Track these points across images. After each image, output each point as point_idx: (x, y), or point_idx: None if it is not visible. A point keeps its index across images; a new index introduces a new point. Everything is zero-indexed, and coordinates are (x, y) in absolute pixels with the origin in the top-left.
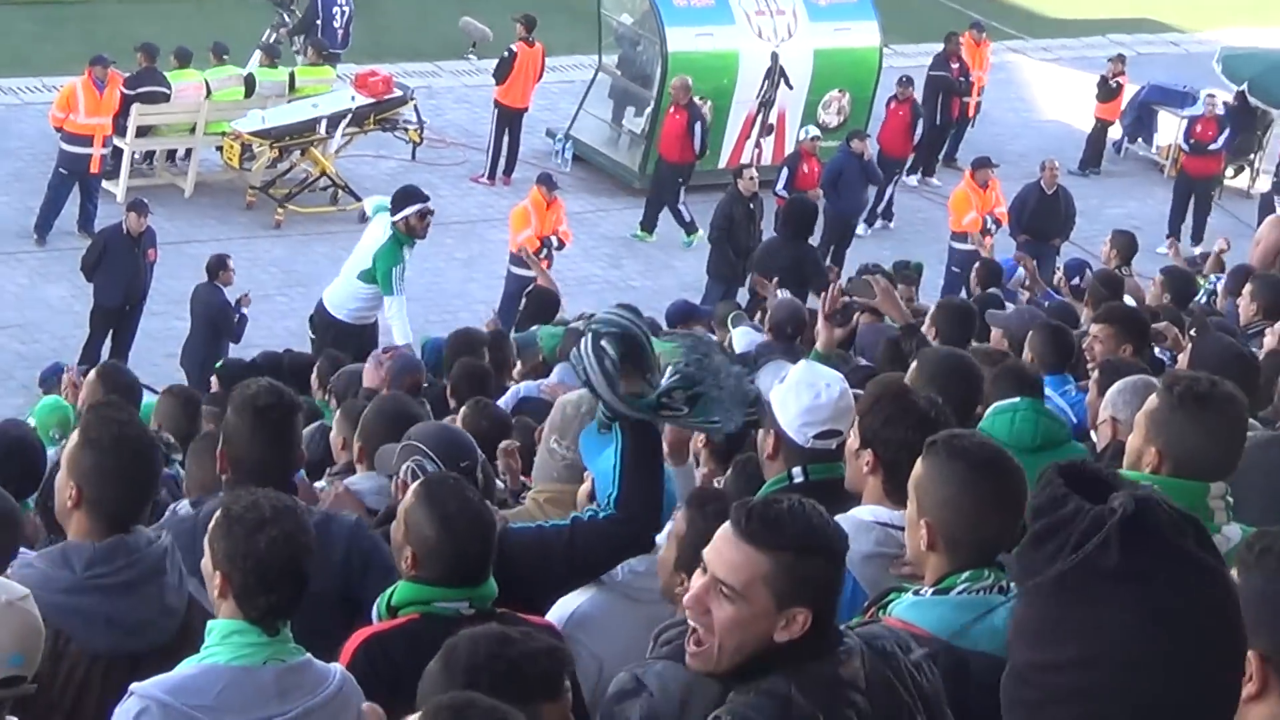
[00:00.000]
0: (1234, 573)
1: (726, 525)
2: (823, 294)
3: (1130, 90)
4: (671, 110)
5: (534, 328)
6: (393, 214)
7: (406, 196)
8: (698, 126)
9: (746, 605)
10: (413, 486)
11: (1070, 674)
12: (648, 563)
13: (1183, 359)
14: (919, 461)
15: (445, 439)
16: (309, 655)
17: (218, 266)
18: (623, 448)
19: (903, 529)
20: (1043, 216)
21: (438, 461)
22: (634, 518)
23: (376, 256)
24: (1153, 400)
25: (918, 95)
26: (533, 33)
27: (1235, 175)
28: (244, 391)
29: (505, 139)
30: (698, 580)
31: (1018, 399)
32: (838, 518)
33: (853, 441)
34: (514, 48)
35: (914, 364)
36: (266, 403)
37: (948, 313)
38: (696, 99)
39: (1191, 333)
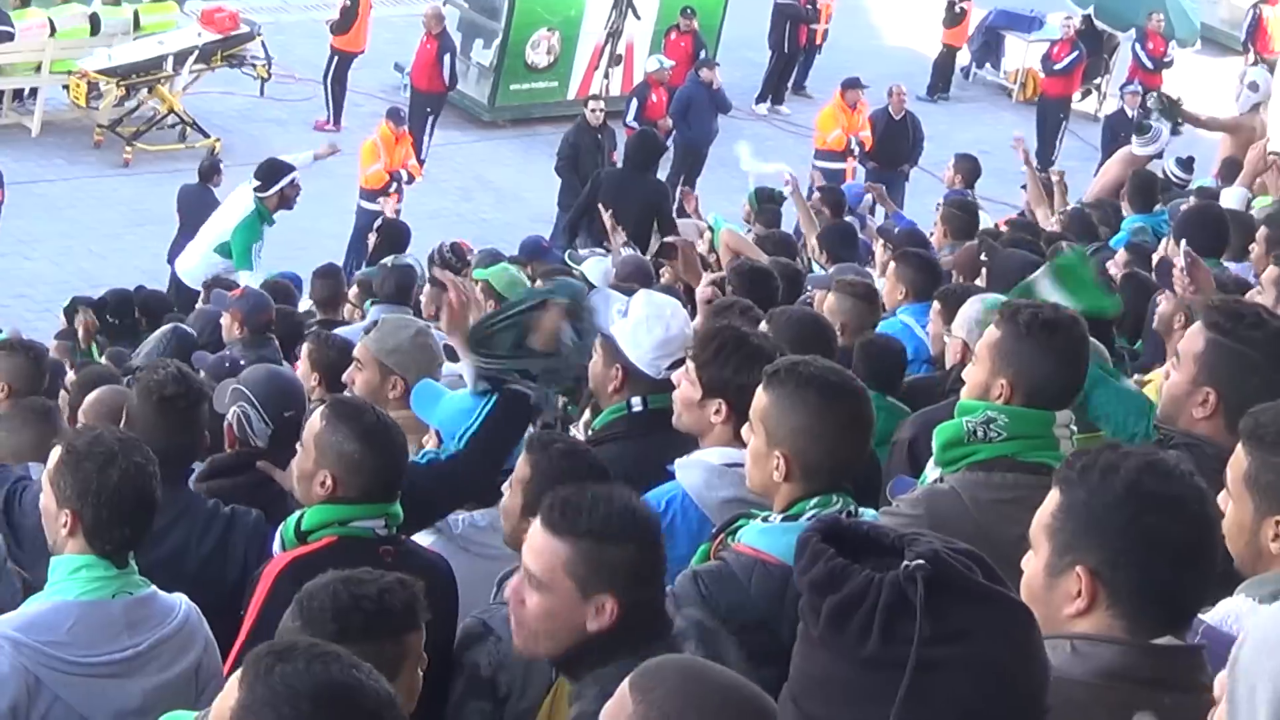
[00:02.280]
0: (1055, 491)
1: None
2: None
3: (977, 15)
4: (424, 39)
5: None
6: (263, 189)
7: (275, 170)
8: (447, 58)
9: (551, 594)
10: (319, 411)
11: None
12: (489, 518)
13: (981, 281)
14: (761, 392)
15: (273, 387)
16: (154, 587)
17: (211, 170)
18: (485, 415)
19: None
20: (891, 142)
21: (260, 410)
22: (476, 463)
23: (236, 230)
24: (994, 332)
25: (766, 23)
26: None
27: (1083, 99)
28: (150, 378)
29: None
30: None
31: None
32: (685, 460)
33: (691, 391)
34: None
35: (765, 325)
36: (174, 392)
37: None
38: (545, 30)
39: (983, 256)
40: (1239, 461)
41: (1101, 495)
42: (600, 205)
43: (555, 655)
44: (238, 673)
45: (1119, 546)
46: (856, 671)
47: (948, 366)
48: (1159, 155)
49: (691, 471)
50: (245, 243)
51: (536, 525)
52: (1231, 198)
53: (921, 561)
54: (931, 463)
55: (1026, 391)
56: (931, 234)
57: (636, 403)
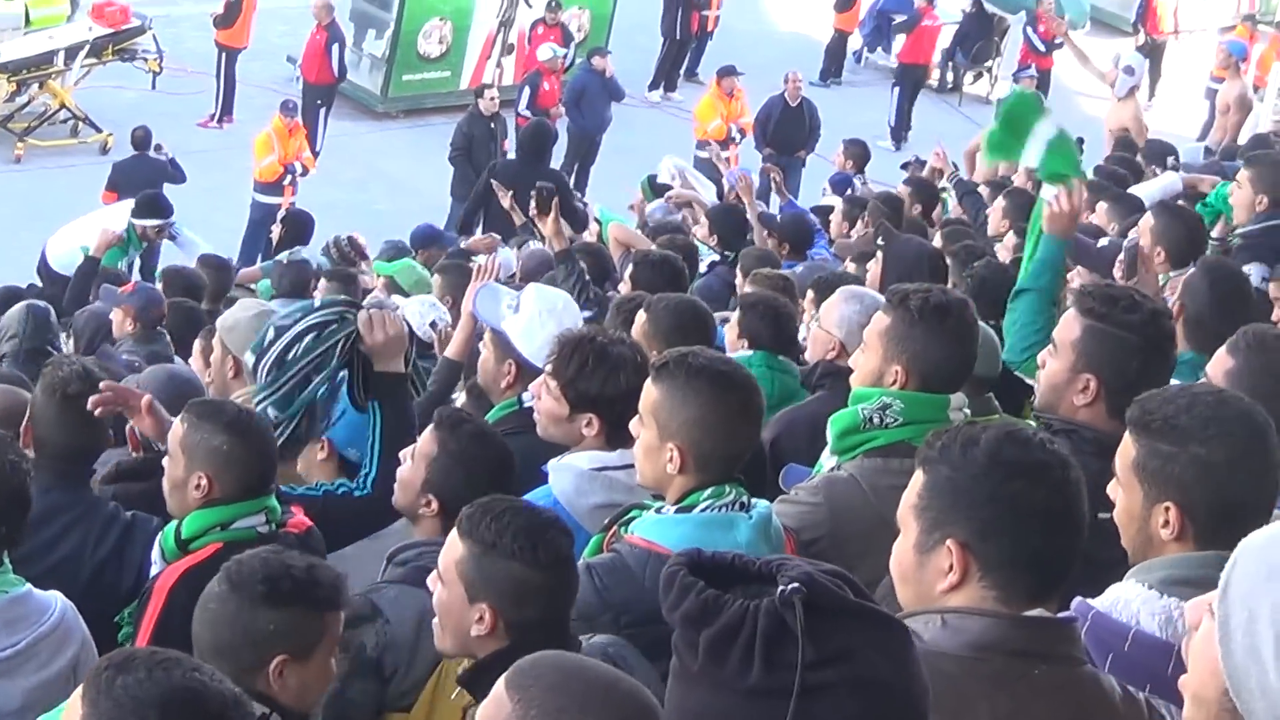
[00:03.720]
0: (918, 471)
1: None
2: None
3: (867, 0)
4: (314, 30)
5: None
6: (135, 214)
7: (151, 207)
8: (336, 48)
9: (447, 589)
10: (179, 417)
11: None
12: None
13: (875, 267)
14: (650, 386)
15: (172, 387)
16: (29, 585)
17: (145, 138)
18: (381, 426)
19: (625, 468)
20: (787, 128)
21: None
22: (387, 495)
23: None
24: (883, 318)
25: (658, 9)
26: None
27: (975, 81)
28: (54, 374)
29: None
30: None
31: (750, 353)
32: (557, 464)
33: (557, 407)
34: None
35: (644, 315)
36: (77, 390)
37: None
38: (437, 19)
39: (879, 241)
40: (1127, 450)
41: (965, 468)
42: (497, 188)
43: (452, 655)
44: (78, 690)
45: (987, 516)
46: (740, 703)
47: (812, 360)
48: None
49: (562, 476)
50: (113, 261)
51: None
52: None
53: (797, 585)
54: (827, 451)
55: (921, 376)
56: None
57: (528, 398)
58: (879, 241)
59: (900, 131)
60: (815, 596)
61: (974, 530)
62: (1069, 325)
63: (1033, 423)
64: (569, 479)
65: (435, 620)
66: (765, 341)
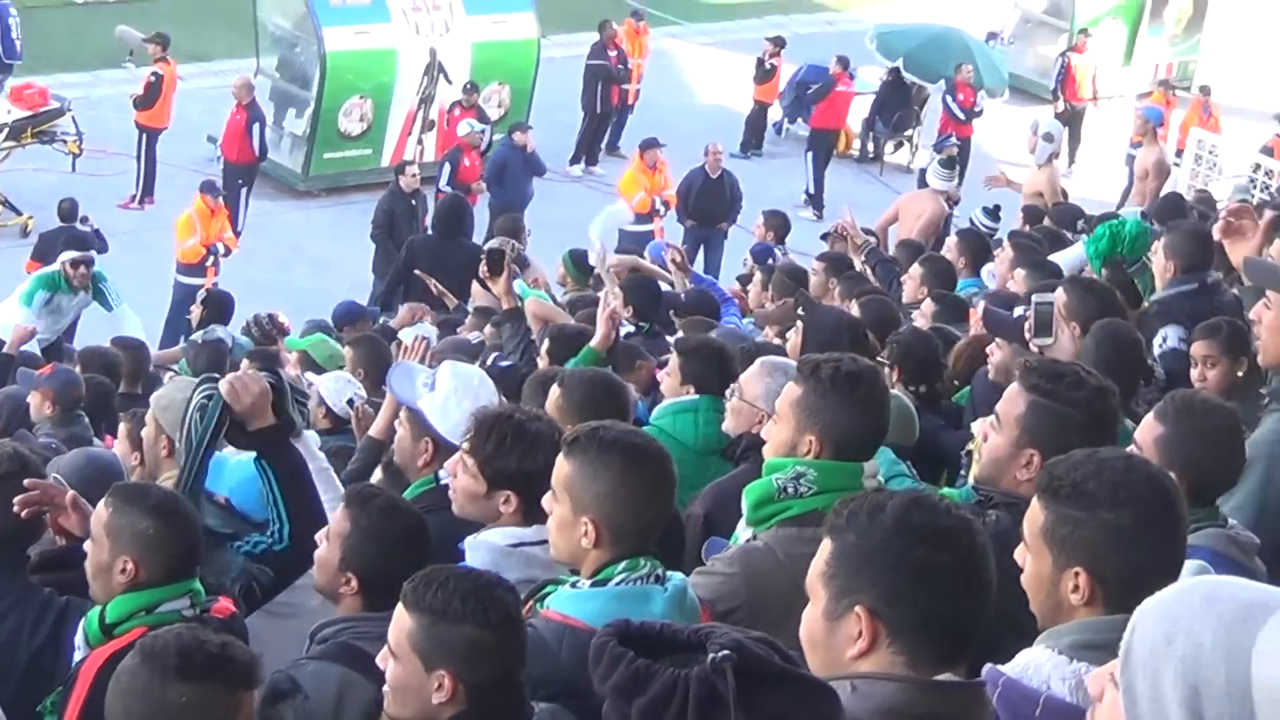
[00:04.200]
0: (826, 539)
1: None
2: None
3: (787, 71)
4: (233, 109)
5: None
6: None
7: (74, 244)
8: (256, 127)
9: (401, 665)
10: (101, 502)
11: None
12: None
13: (795, 336)
14: (562, 461)
15: (92, 471)
16: None
17: (72, 210)
18: (274, 479)
19: (541, 544)
20: (708, 200)
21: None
22: (306, 545)
23: (36, 276)
24: (794, 389)
25: (578, 84)
26: (168, 50)
27: (895, 151)
28: None
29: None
30: None
31: (697, 397)
32: (473, 541)
33: (475, 485)
34: (159, 71)
35: (557, 390)
36: (6, 470)
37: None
38: (357, 97)
39: (799, 311)
40: (1035, 516)
41: (871, 535)
42: (421, 273)
43: None
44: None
45: (893, 581)
46: None
47: (734, 433)
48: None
49: (478, 553)
50: (35, 287)
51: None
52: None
53: (728, 652)
54: (743, 523)
55: (835, 445)
56: (747, 292)
57: (444, 475)
58: (799, 311)
59: (820, 199)
60: (745, 663)
61: (881, 596)
62: (1013, 400)
63: (949, 491)
64: (485, 556)
65: (389, 696)
66: (710, 385)
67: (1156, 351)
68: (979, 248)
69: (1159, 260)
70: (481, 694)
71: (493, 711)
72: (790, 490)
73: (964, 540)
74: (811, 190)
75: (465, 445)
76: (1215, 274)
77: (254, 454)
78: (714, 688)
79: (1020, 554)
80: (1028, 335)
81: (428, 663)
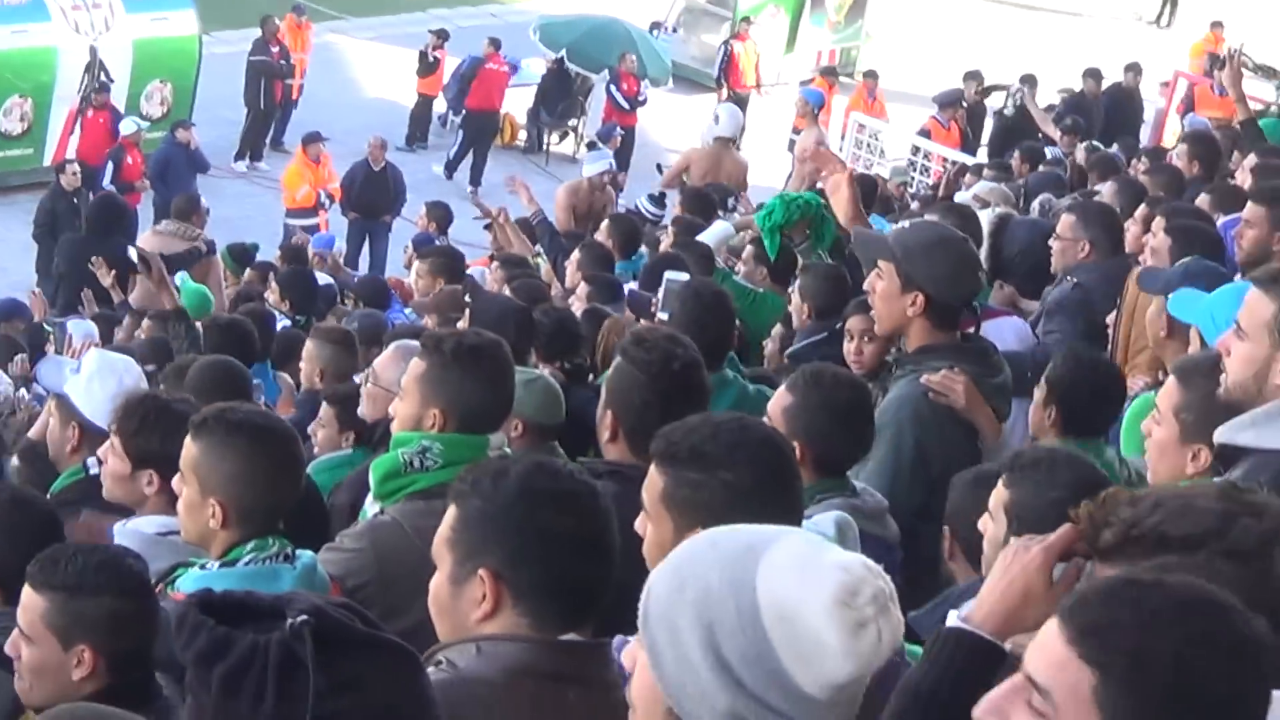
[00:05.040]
0: (451, 506)
1: None
2: None
3: (451, 64)
4: None
5: None
6: None
7: None
8: None
9: (37, 647)
10: None
11: None
12: None
13: (462, 324)
14: (190, 442)
15: None
16: None
17: None
18: None
19: None
20: (371, 193)
21: None
22: None
23: None
24: (418, 364)
25: (241, 81)
26: None
27: (561, 141)
28: None
29: None
30: None
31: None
32: (122, 529)
33: (120, 465)
34: None
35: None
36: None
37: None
38: (17, 96)
39: (467, 297)
40: (654, 482)
41: (495, 499)
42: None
43: (45, 706)
44: None
45: (516, 544)
46: None
47: (371, 418)
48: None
49: (128, 540)
50: None
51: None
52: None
53: (306, 617)
54: (370, 498)
55: (460, 418)
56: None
57: (93, 464)
58: (466, 298)
59: (478, 177)
60: (324, 628)
61: (505, 559)
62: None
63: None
64: (135, 543)
65: (26, 680)
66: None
67: None
68: (630, 232)
69: (795, 299)
70: (121, 667)
71: (132, 686)
72: (416, 464)
73: (587, 503)
74: (451, 157)
75: (113, 425)
76: None
77: None
78: (293, 652)
79: (639, 523)
80: (653, 310)
81: (66, 640)
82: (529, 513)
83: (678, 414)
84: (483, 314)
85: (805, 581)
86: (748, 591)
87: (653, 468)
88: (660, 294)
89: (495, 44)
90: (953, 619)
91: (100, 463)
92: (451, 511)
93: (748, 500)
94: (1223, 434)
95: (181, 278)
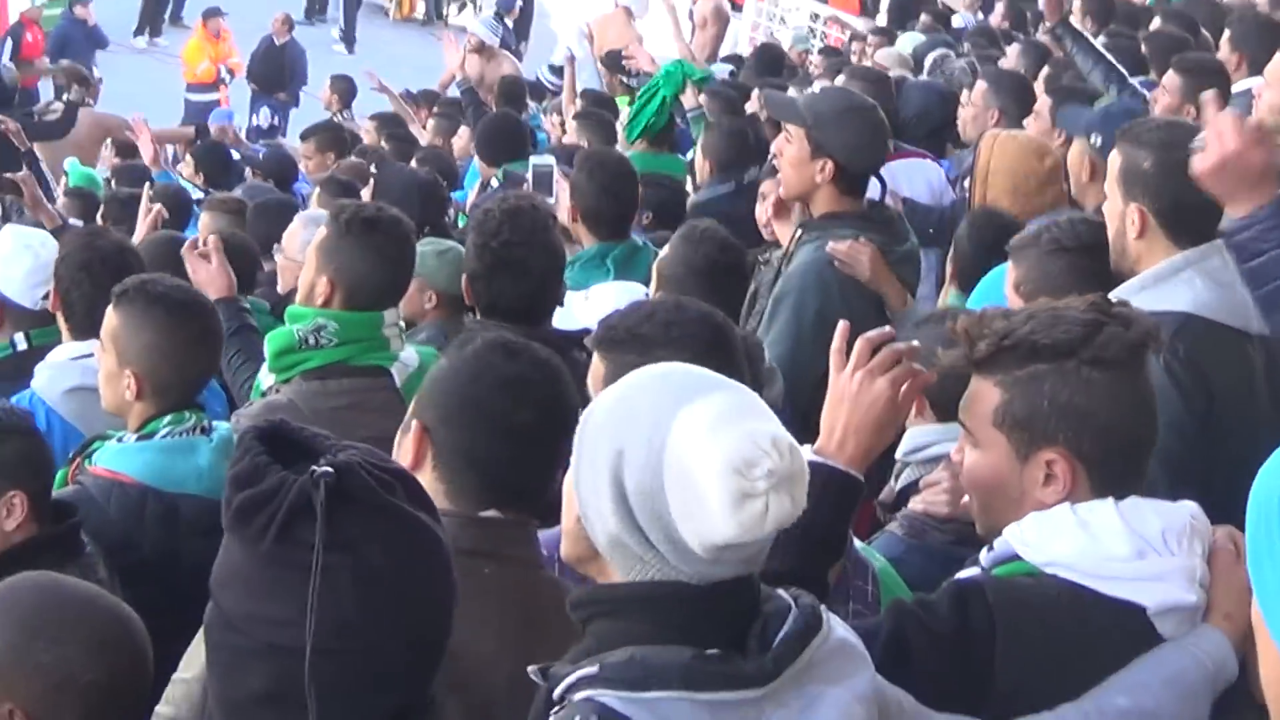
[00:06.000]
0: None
1: None
2: None
3: None
4: None
5: None
6: None
7: None
8: None
9: None
10: None
11: (279, 631)
12: None
13: (366, 192)
14: (111, 312)
15: None
16: None
17: None
18: None
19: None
20: (270, 66)
21: None
22: None
23: None
24: (322, 230)
25: None
26: None
27: (460, 12)
28: None
29: None
30: None
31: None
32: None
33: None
34: None
35: None
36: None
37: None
38: None
39: (373, 168)
40: (597, 371)
41: (453, 361)
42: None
43: None
44: None
45: (452, 406)
46: (258, 566)
47: (284, 289)
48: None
49: (41, 375)
50: None
51: None
52: None
53: (328, 469)
54: (264, 369)
55: (347, 289)
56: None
57: (20, 340)
58: (373, 169)
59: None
60: (344, 483)
61: (437, 417)
62: None
63: None
64: (45, 373)
65: None
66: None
67: None
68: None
69: (698, 158)
70: (45, 513)
71: (58, 538)
72: (311, 341)
73: (539, 391)
74: (344, 26)
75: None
76: (753, 171)
77: None
78: (309, 498)
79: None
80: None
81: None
82: (470, 381)
83: None
84: (386, 187)
85: (712, 439)
86: (662, 431)
87: (595, 357)
88: (529, 178)
89: None
90: (809, 454)
91: (27, 340)
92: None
93: None
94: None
95: (70, 162)
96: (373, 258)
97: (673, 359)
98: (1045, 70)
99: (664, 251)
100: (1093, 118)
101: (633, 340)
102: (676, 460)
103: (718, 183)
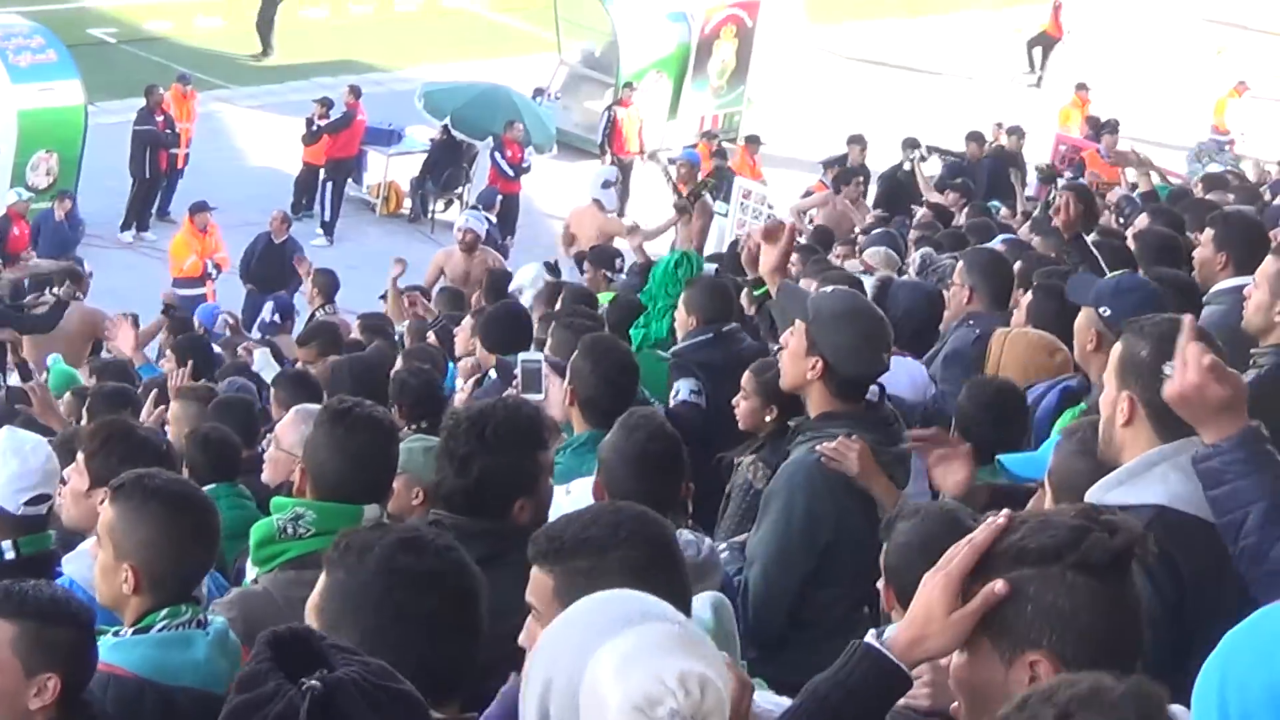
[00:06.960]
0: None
1: None
2: None
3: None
4: None
5: None
6: None
7: None
8: None
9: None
10: None
11: None
12: None
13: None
14: (108, 506)
15: None
16: None
17: None
18: None
19: None
20: (269, 265)
21: None
22: None
23: None
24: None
25: (127, 150)
26: None
27: (446, 209)
28: None
29: None
30: None
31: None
32: (71, 554)
33: (79, 483)
34: None
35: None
36: None
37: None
38: None
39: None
40: (542, 584)
41: (357, 574)
42: None
43: None
44: None
45: (373, 623)
46: None
47: (274, 483)
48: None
49: (79, 561)
50: None
51: None
52: None
53: (315, 684)
54: (249, 562)
55: (315, 480)
56: None
57: (7, 548)
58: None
59: (332, 228)
60: (330, 696)
61: (362, 637)
62: None
63: None
64: (85, 561)
65: None
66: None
67: (671, 405)
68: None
69: (680, 314)
70: (73, 701)
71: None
72: (290, 530)
73: (451, 583)
74: (327, 219)
75: (81, 445)
76: (733, 324)
77: None
78: (296, 709)
79: (530, 628)
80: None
81: (31, 667)
82: (386, 592)
83: None
84: (338, 382)
85: (621, 676)
86: (581, 665)
87: (535, 571)
88: (518, 376)
89: (355, 92)
90: (870, 636)
91: (15, 549)
92: (322, 579)
93: (643, 576)
94: (1093, 495)
95: (54, 359)
96: (336, 450)
97: (627, 555)
98: (1019, 265)
99: (606, 437)
100: (1103, 288)
101: (582, 545)
102: (589, 694)
103: (698, 333)
